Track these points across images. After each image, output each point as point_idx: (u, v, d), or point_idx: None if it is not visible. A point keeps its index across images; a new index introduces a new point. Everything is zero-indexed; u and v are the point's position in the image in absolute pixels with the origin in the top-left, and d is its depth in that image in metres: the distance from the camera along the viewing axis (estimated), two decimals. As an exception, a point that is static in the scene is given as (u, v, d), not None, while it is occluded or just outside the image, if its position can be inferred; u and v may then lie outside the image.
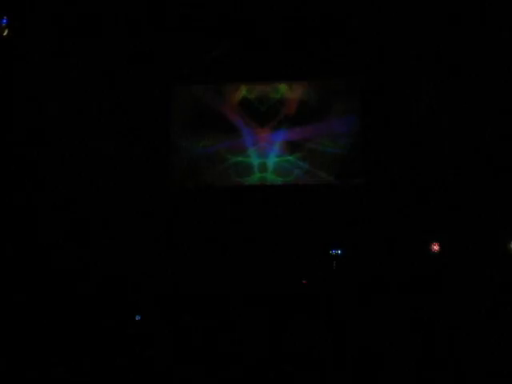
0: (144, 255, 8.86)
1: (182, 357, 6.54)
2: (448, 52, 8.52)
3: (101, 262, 8.43)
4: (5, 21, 8.46)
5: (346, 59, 9.54)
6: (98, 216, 8.99)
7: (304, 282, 8.79)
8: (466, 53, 8.35)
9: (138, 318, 7.27)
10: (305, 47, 9.49)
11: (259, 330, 7.53)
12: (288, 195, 9.86)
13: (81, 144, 9.23)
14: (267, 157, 10.28)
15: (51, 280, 7.82)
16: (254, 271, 8.79)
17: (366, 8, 8.67)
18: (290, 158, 10.22)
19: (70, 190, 9.05)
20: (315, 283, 8.90)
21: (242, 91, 10.41)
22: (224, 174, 10.27)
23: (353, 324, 7.41)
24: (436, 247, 9.27)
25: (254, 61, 9.58)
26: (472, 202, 8.48)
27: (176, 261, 8.89)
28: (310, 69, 9.73)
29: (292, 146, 10.25)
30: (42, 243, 8.32)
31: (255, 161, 10.29)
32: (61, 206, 8.89)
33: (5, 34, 8.43)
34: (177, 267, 8.82)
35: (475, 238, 8.43)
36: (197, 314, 7.65)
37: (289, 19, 9.08)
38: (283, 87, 10.34)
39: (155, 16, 8.82)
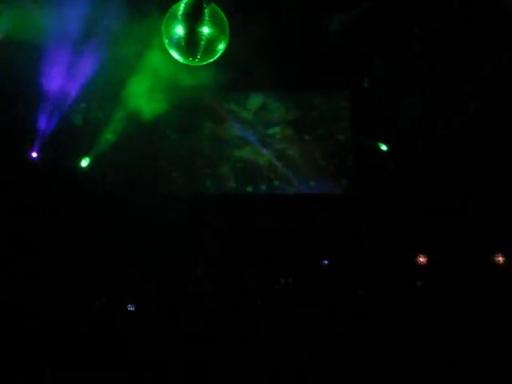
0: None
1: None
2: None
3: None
4: None
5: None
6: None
7: None
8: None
9: (131, 307, 7.03)
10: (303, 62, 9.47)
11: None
12: (277, 204, 9.87)
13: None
14: (257, 164, 10.30)
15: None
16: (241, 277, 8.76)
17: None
18: (280, 165, 10.25)
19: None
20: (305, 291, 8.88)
21: (234, 99, 10.45)
22: (212, 181, 10.27)
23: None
24: (422, 259, 9.33)
25: (249, 71, 9.51)
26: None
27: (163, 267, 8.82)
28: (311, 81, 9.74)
29: (283, 154, 10.30)
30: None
31: (244, 168, 10.31)
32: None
33: None
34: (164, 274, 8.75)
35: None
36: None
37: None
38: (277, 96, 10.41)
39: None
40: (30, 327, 6.41)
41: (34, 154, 9.03)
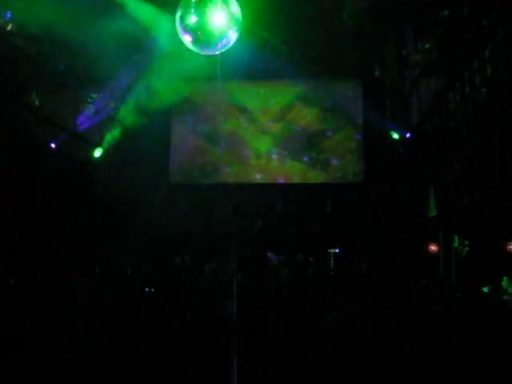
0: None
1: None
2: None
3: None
4: (8, 15, 8.49)
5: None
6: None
7: None
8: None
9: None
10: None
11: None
12: (291, 193, 9.93)
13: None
14: (265, 155, 10.32)
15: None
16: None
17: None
18: (287, 155, 10.27)
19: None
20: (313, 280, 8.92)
21: (244, 89, 10.46)
22: (220, 171, 10.32)
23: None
24: (434, 248, 9.35)
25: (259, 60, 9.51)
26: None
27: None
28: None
29: (290, 146, 10.32)
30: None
31: (252, 159, 10.34)
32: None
33: (9, 28, 8.45)
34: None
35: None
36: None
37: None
38: (287, 88, 10.40)
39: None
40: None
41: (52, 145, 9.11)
